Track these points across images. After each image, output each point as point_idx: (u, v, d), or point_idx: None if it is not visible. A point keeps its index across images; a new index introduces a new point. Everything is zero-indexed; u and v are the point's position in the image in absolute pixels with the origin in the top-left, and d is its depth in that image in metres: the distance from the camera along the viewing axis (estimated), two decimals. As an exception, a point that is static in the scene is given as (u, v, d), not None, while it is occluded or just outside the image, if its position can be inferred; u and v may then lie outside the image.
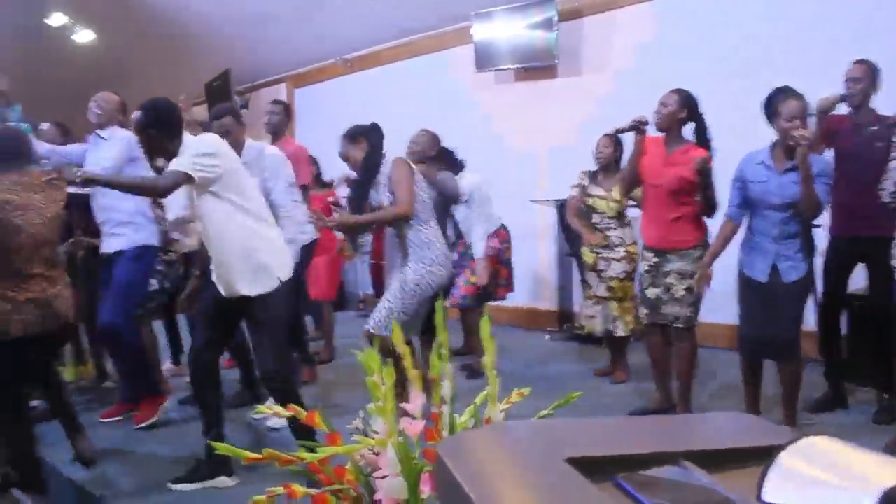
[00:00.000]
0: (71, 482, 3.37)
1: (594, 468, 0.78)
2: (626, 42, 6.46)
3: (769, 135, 3.61)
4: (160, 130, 3.26)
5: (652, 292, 3.97)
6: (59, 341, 3.58)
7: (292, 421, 3.63)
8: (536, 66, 6.99)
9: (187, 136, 3.34)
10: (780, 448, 0.74)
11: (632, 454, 0.83)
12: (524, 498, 0.73)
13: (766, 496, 0.72)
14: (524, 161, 7.08)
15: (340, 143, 3.95)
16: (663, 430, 0.98)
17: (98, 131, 4.44)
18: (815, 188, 3.38)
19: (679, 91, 3.91)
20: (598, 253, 4.79)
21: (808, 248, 3.58)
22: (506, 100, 7.34)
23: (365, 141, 3.89)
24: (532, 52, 6.91)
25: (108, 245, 4.39)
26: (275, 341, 3.32)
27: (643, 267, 4.04)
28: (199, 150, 3.18)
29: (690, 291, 3.84)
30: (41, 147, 4.20)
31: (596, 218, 4.80)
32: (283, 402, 2.69)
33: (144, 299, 4.49)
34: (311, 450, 1.92)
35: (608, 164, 4.82)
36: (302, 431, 2.93)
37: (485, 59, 7.19)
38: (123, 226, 4.34)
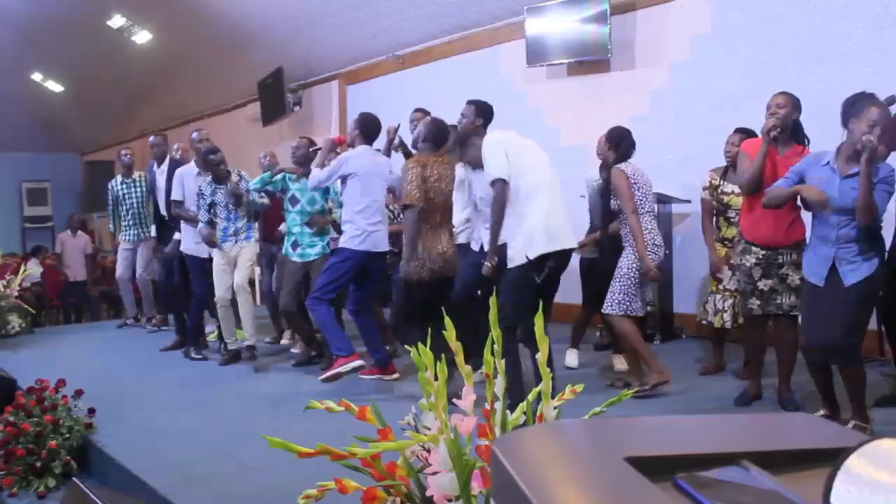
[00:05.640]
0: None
1: (654, 468, 0.77)
2: (681, 34, 6.35)
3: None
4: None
5: (765, 283, 3.97)
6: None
7: None
8: (589, 60, 6.92)
9: None
10: (849, 451, 0.72)
11: (692, 454, 0.81)
12: (583, 497, 0.72)
13: (833, 500, 0.70)
14: (576, 156, 7.01)
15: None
16: (725, 430, 0.96)
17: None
18: (873, 195, 3.32)
19: (787, 93, 3.94)
20: (730, 246, 4.77)
21: (873, 250, 3.48)
22: (558, 94, 7.29)
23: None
24: (584, 46, 6.83)
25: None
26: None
27: (750, 260, 4.01)
28: None
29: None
30: None
31: (731, 213, 4.80)
32: None
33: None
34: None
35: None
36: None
37: (536, 54, 7.13)
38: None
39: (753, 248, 4.00)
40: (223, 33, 9.91)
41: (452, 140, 4.40)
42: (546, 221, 3.95)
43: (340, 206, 5.51)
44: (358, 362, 4.77)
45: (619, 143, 4.58)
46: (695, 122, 5.95)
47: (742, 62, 5.78)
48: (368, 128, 5.06)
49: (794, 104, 3.92)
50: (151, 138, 7.12)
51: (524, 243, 3.91)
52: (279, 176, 5.65)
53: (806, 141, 3.99)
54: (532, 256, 3.90)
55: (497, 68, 7.76)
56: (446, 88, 8.03)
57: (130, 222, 7.46)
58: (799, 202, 3.77)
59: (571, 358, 5.28)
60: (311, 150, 5.50)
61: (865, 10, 5.26)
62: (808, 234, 3.88)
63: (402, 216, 5.11)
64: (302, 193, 5.44)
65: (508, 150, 4.04)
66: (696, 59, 6.17)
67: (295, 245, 5.50)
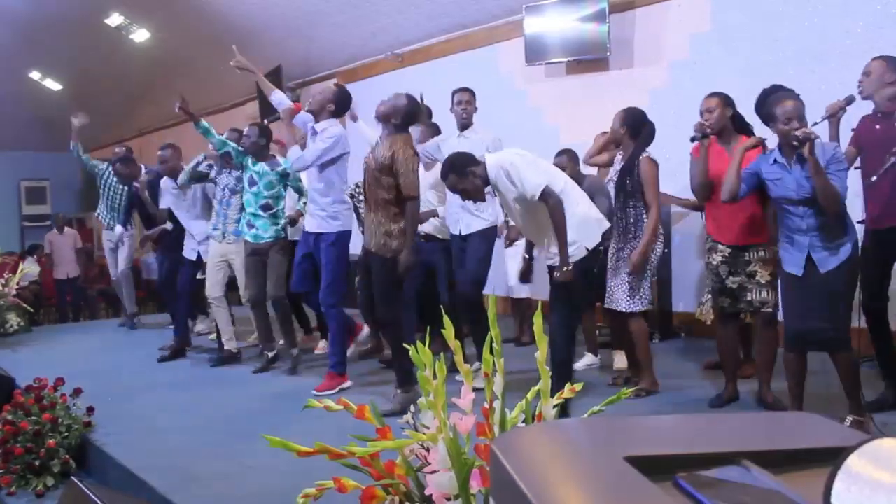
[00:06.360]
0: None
1: (654, 467, 0.76)
2: (680, 33, 6.34)
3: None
4: None
5: (733, 281, 3.97)
6: None
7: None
8: (588, 59, 6.92)
9: None
10: (849, 450, 0.72)
11: (692, 453, 0.81)
12: (583, 497, 0.72)
13: (834, 499, 0.70)
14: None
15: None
16: (725, 430, 0.95)
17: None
18: (829, 180, 3.34)
19: (716, 94, 4.07)
20: None
21: (845, 235, 3.49)
22: (557, 93, 7.28)
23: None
24: (583, 45, 6.83)
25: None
26: None
27: (717, 258, 4.02)
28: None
29: (775, 277, 3.84)
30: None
31: None
32: None
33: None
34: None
35: None
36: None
37: (535, 53, 7.13)
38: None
39: (720, 247, 4.01)
40: (222, 32, 9.89)
41: (449, 177, 4.12)
42: (589, 210, 4.05)
43: (298, 192, 5.60)
44: (347, 384, 4.81)
45: (640, 129, 4.44)
46: (694, 121, 5.93)
47: (742, 61, 5.77)
48: (341, 104, 4.83)
49: (725, 103, 4.03)
50: (117, 162, 7.24)
51: (582, 237, 3.94)
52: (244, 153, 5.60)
53: (750, 128, 4.02)
54: (591, 247, 3.97)
55: (496, 67, 7.75)
56: (445, 87, 7.98)
57: (104, 207, 7.70)
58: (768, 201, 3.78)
59: (586, 361, 5.22)
60: (266, 121, 5.42)
61: (864, 10, 5.26)
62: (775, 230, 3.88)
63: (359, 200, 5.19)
64: (260, 176, 5.44)
65: (528, 161, 4.02)
66: (696, 58, 6.16)
67: (250, 225, 5.48)
